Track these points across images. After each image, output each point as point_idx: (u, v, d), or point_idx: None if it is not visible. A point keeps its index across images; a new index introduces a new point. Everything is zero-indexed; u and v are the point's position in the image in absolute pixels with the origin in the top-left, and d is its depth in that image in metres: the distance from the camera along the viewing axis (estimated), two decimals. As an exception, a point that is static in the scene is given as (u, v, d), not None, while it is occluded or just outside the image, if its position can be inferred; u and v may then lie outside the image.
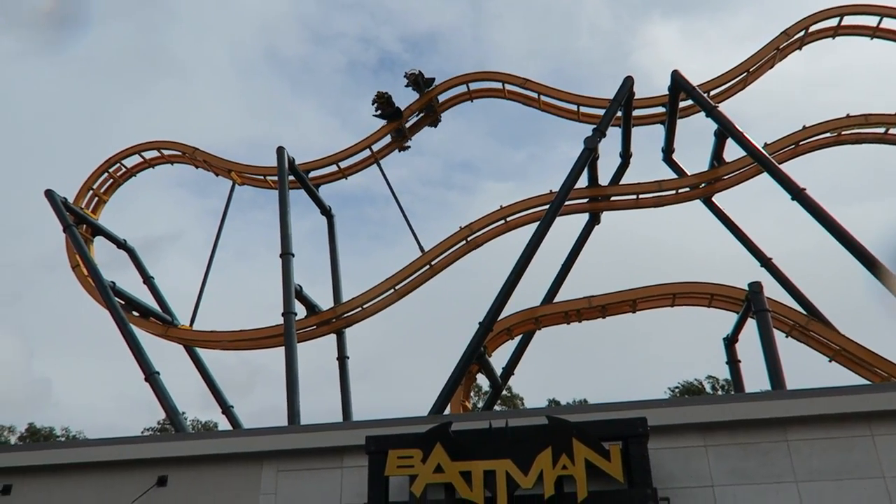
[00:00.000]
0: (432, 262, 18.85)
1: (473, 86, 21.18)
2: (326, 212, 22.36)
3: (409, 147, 21.58)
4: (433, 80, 20.98)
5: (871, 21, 20.02)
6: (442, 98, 21.23)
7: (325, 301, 20.21)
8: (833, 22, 20.08)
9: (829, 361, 16.76)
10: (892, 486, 8.33)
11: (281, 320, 17.35)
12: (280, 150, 20.08)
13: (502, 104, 22.18)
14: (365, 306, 18.78)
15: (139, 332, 18.73)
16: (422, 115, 21.42)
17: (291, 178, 20.33)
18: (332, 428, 10.36)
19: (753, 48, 20.02)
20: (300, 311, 18.47)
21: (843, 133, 19.35)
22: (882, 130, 19.27)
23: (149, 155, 22.26)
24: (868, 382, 15.68)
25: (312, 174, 21.41)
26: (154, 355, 17.82)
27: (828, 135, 19.29)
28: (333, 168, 21.49)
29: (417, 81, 20.78)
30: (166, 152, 22.31)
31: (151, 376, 17.20)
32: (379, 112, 20.90)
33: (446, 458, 8.59)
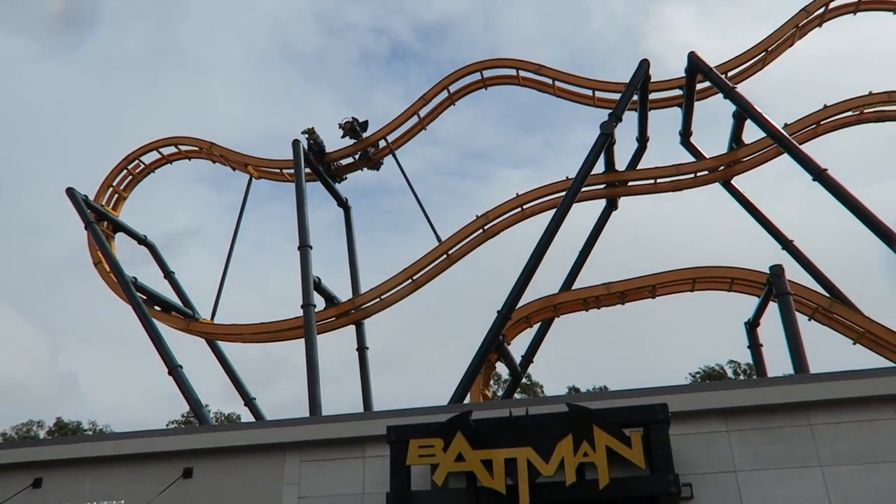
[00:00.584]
0: (449, 252, 18.85)
1: (487, 73, 21.08)
2: (343, 203, 22.43)
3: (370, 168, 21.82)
4: (367, 122, 21.18)
5: (892, -5, 19.59)
6: (455, 87, 21.13)
7: (343, 293, 20.35)
8: (854, -2, 19.67)
9: (854, 344, 16.53)
10: (919, 470, 8.22)
11: (300, 312, 17.48)
12: (296, 143, 20.16)
13: (515, 91, 22.04)
14: (383, 297, 18.86)
15: (161, 327, 18.98)
16: (357, 159, 21.42)
17: (307, 170, 20.40)
18: (353, 418, 10.43)
19: (772, 27, 19.67)
20: (319, 302, 18.60)
21: (866, 111, 18.99)
22: (905, 108, 18.88)
23: (166, 151, 22.46)
24: (892, 365, 15.45)
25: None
26: (176, 349, 18.10)
27: (849, 113, 18.94)
28: (350, 160, 21.53)
29: (353, 128, 20.88)
30: (184, 148, 22.48)
31: (174, 370, 17.44)
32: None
33: (467, 447, 8.61)
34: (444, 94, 21.16)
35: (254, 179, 21.69)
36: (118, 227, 21.58)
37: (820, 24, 19.95)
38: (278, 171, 21.62)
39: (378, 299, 18.95)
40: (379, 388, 21.52)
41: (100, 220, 20.78)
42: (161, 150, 22.39)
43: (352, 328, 20.30)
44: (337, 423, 10.26)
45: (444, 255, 18.84)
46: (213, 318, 19.96)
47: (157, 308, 20.02)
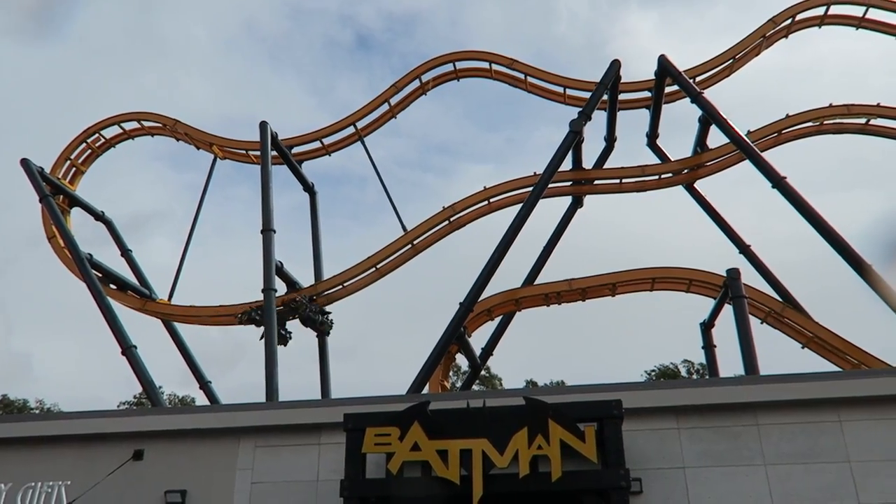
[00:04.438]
0: (414, 242, 18.84)
1: (460, 65, 21.06)
2: (309, 188, 22.21)
3: None
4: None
5: (857, 11, 20.14)
6: (427, 76, 21.06)
7: (305, 278, 20.17)
8: (820, 11, 20.17)
9: (802, 348, 17.06)
10: (857, 472, 8.52)
11: (261, 296, 17.29)
12: (263, 125, 19.85)
13: (479, 88, 22.14)
14: (346, 284, 18.76)
15: (117, 306, 18.59)
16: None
17: (274, 153, 20.13)
18: (309, 405, 10.38)
19: (730, 40, 20.11)
20: (281, 287, 18.42)
21: (826, 122, 19.53)
22: (863, 121, 19.47)
23: (129, 126, 21.94)
24: (838, 369, 15.99)
25: (295, 150, 21.24)
26: (132, 329, 17.75)
27: (810, 124, 19.45)
28: (317, 144, 21.33)
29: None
30: (146, 124, 21.98)
31: (128, 350, 17.12)
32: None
33: (423, 437, 8.64)
34: (416, 84, 21.07)
35: (218, 160, 21.34)
36: (74, 201, 21.02)
37: (786, 35, 20.41)
38: (244, 152, 21.29)
39: (341, 286, 18.84)
40: (338, 377, 21.48)
41: (56, 194, 20.21)
42: (123, 124, 21.86)
43: (312, 314, 20.16)
44: (293, 409, 10.20)
45: (409, 245, 18.82)
46: (170, 298, 19.63)
47: (112, 286, 19.60)
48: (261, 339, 16.82)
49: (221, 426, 10.14)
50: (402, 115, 21.41)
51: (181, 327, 20.30)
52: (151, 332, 20.63)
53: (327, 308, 19.73)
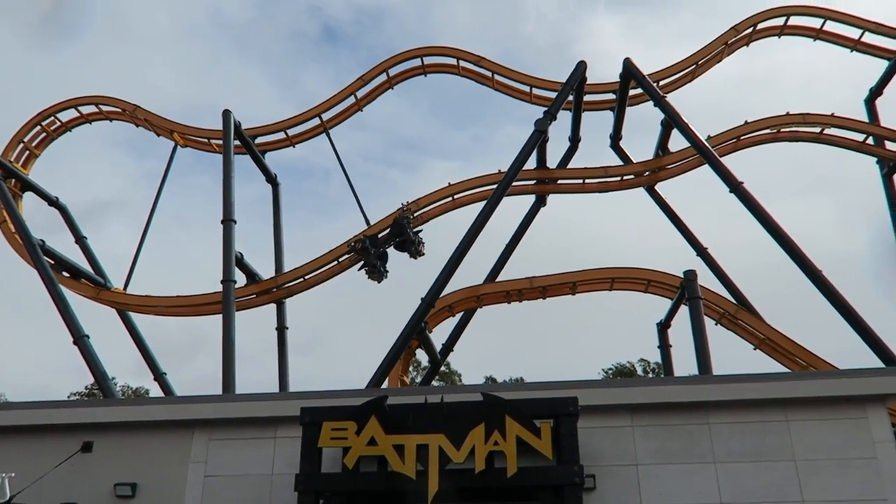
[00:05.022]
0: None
1: (428, 60, 21.03)
2: (272, 179, 21.92)
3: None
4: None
5: (815, 23, 20.74)
6: (395, 71, 20.97)
7: (266, 271, 19.94)
8: (780, 21, 20.71)
9: (754, 349, 17.53)
10: (802, 469, 8.79)
11: (220, 288, 17.02)
12: (226, 113, 19.50)
13: (445, 85, 22.20)
14: (307, 277, 18.59)
15: (70, 294, 18.10)
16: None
17: (237, 142, 19.81)
18: (266, 398, 10.26)
19: (693, 46, 20.50)
20: (240, 279, 18.17)
21: (782, 130, 20.06)
22: (818, 130, 20.05)
23: (86, 110, 21.35)
24: (787, 370, 16.46)
25: (259, 140, 20.93)
26: (86, 319, 17.29)
27: (767, 131, 19.96)
28: (281, 135, 21.06)
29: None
30: (105, 108, 21.42)
31: (81, 339, 16.69)
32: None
33: (380, 431, 8.62)
34: (384, 77, 20.98)
35: (179, 148, 20.91)
36: (27, 185, 20.38)
37: (748, 44, 20.88)
38: (206, 140, 20.90)
39: (302, 279, 18.67)
40: (297, 371, 21.25)
41: (7, 177, 19.57)
42: (80, 108, 21.25)
43: (272, 307, 19.95)
44: (249, 403, 10.07)
45: (372, 240, 18.71)
46: (126, 287, 19.19)
47: (65, 274, 19.07)
48: (359, 269, 17.84)
49: (175, 418, 9.96)
50: (369, 109, 21.31)
51: (137, 318, 19.86)
52: (106, 321, 20.19)
53: (288, 301, 19.58)
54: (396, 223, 18.19)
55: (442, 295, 16.66)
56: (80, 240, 20.67)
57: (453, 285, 17.10)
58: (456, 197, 19.20)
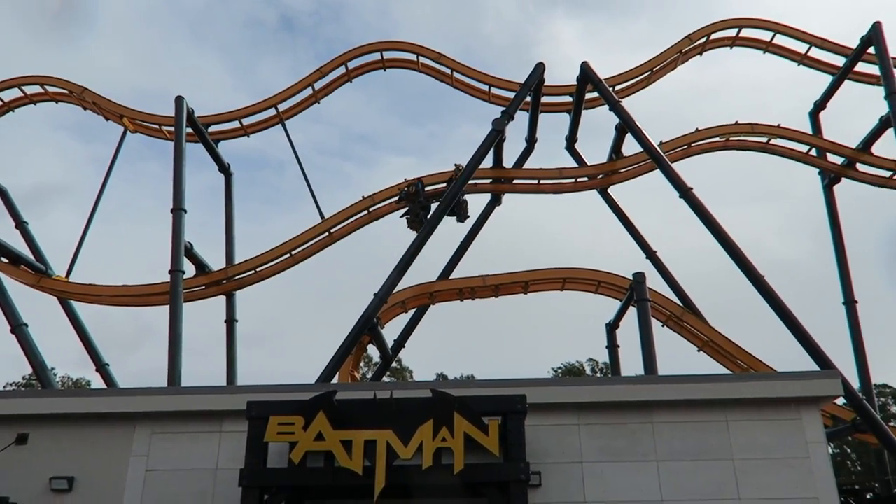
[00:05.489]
0: (331, 230, 18.60)
1: (388, 55, 20.90)
2: (225, 169, 21.48)
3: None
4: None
5: (765, 35, 21.40)
6: (354, 64, 20.79)
7: (216, 262, 19.55)
8: (732, 32, 21.30)
9: (698, 351, 18.01)
10: (740, 468, 9.10)
11: (168, 278, 16.62)
12: (179, 99, 19.01)
13: (404, 79, 22.15)
14: (258, 269, 18.31)
15: (8, 281, 17.44)
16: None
17: (189, 130, 19.36)
18: (212, 391, 10.07)
19: (649, 53, 20.93)
20: (189, 269, 17.76)
21: (731, 139, 20.64)
22: (765, 140, 20.71)
23: (30, 90, 20.56)
24: (728, 372, 16.97)
25: (212, 128, 20.48)
26: (24, 307, 16.70)
27: (717, 139, 20.51)
28: (235, 124, 20.65)
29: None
30: (51, 89, 20.66)
31: (18, 328, 16.16)
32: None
33: (328, 427, 8.57)
34: (342, 70, 20.75)
35: (128, 133, 20.31)
36: (-35, 166, 19.54)
37: (701, 53, 21.40)
38: (157, 126, 20.35)
39: (253, 271, 18.36)
40: (246, 364, 20.96)
41: (-57, 157, 18.73)
42: (24, 87, 20.45)
43: (222, 299, 19.59)
44: (194, 396, 9.89)
45: (326, 233, 18.56)
46: (68, 275, 18.56)
47: (3, 260, 18.34)
48: (402, 216, 18.04)
49: (116, 411, 9.72)
50: (326, 102, 21.05)
51: (80, 307, 19.24)
52: (47, 310, 19.50)
53: (238, 293, 19.24)
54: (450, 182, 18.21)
55: (395, 291, 16.62)
56: (21, 224, 19.89)
57: (406, 281, 17.09)
58: (412, 193, 19.12)
